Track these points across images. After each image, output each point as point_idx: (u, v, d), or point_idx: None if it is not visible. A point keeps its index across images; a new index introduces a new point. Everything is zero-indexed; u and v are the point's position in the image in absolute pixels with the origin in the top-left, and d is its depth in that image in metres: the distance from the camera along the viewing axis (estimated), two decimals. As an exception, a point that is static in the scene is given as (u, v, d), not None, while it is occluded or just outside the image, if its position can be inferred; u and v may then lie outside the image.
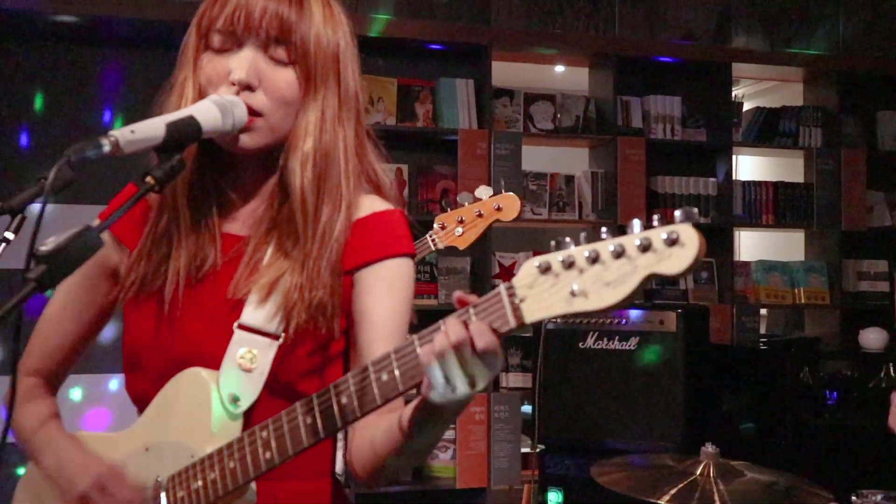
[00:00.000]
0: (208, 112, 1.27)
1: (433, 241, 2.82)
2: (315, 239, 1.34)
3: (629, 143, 4.92)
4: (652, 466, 2.53)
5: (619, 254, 0.97)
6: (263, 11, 1.32)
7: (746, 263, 5.28)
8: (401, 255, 1.41)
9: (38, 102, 4.36)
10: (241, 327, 1.34)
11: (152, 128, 1.20)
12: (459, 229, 2.81)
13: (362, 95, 1.46)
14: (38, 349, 1.50)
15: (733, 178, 5.21)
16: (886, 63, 5.41)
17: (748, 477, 2.38)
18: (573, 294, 0.99)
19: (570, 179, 5.00)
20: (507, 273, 4.69)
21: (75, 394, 4.19)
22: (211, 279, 1.38)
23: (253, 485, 1.29)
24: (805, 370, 4.11)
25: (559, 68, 5.80)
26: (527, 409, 4.56)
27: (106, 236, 1.43)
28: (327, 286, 1.34)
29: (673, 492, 2.28)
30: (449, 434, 4.46)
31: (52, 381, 1.53)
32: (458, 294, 1.10)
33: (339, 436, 1.54)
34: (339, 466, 1.50)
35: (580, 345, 3.49)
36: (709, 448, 2.41)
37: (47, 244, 1.05)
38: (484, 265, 4.66)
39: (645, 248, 0.95)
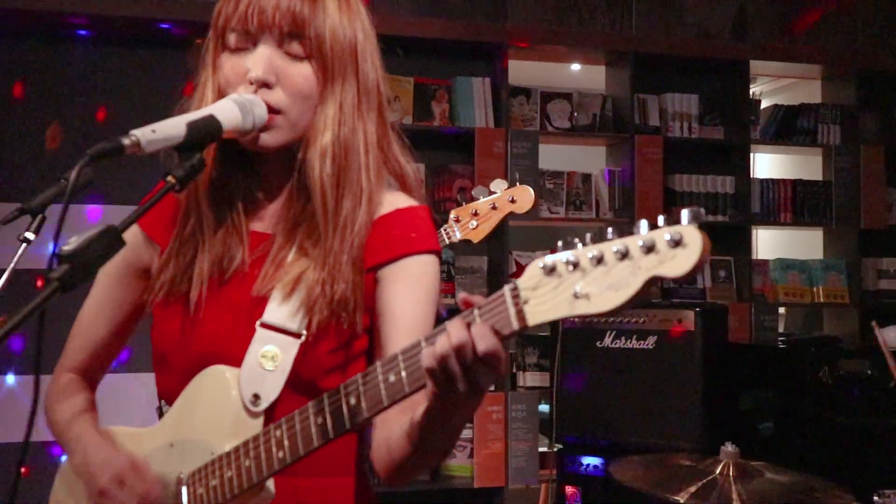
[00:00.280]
0: (228, 111, 1.27)
1: (447, 234, 2.83)
2: (336, 233, 1.34)
3: (646, 142, 4.90)
4: (671, 465, 2.52)
5: (623, 255, 0.95)
6: (276, 7, 1.32)
7: (764, 262, 5.25)
8: (423, 252, 1.40)
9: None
10: (264, 325, 1.34)
11: (173, 127, 1.21)
12: (474, 222, 2.82)
13: (384, 87, 1.45)
14: (75, 347, 1.53)
15: (751, 175, 5.19)
16: (906, 59, 5.38)
17: (767, 477, 2.37)
18: (576, 296, 0.98)
19: (587, 178, 4.99)
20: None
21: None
22: (238, 278, 1.39)
23: (270, 484, 1.29)
24: (824, 369, 4.08)
25: (576, 66, 5.79)
26: (544, 407, 4.56)
27: (138, 235, 1.46)
28: (349, 281, 1.33)
29: (691, 490, 2.27)
30: (466, 433, 4.46)
31: (90, 378, 1.56)
32: (462, 296, 1.09)
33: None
34: None
35: (598, 343, 3.48)
36: (728, 447, 2.39)
37: (70, 244, 1.06)
38: (501, 264, 4.65)
39: (648, 249, 0.93)
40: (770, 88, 6.20)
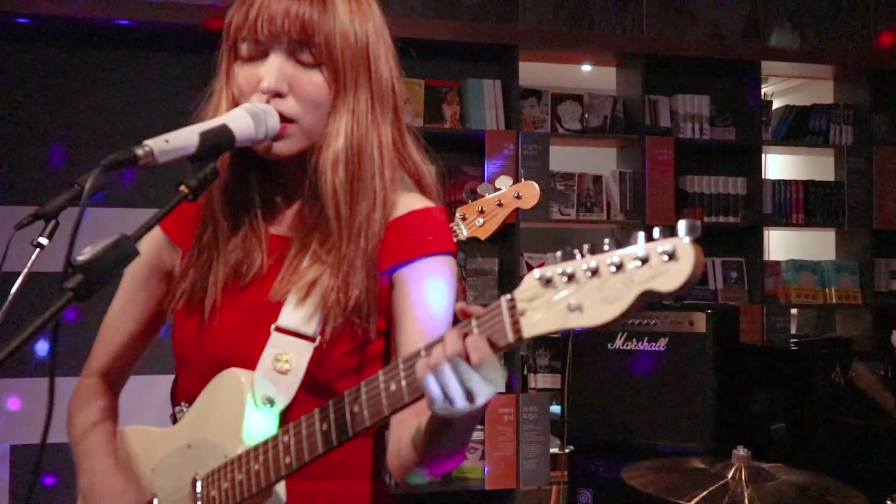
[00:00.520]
0: (241, 121, 1.28)
1: (454, 232, 2.82)
2: (350, 239, 1.34)
3: (657, 143, 4.89)
4: (683, 469, 2.51)
5: (617, 267, 0.93)
6: (285, 14, 1.31)
7: (776, 263, 5.24)
8: (440, 254, 1.38)
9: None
10: (279, 329, 1.34)
11: (186, 137, 1.21)
12: (480, 220, 2.82)
13: (399, 87, 1.44)
14: (98, 351, 1.54)
15: (763, 176, 5.18)
16: (919, 59, 5.36)
17: (780, 479, 2.36)
18: (570, 308, 0.96)
19: (597, 179, 4.98)
20: (536, 274, 4.67)
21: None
22: (257, 282, 1.39)
23: (279, 489, 1.29)
24: (837, 371, 4.07)
25: (586, 68, 5.78)
26: (556, 409, 4.55)
27: (162, 238, 1.48)
28: (363, 288, 1.33)
29: (704, 494, 2.27)
30: (478, 435, 4.47)
31: (114, 383, 1.57)
32: (460, 305, 1.08)
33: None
34: None
35: (609, 345, 3.47)
36: (740, 451, 2.39)
37: (84, 253, 1.07)
38: (512, 266, 4.65)
39: (642, 262, 0.91)
40: (782, 89, 6.18)
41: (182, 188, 1.20)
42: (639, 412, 3.40)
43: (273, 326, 1.34)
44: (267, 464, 1.26)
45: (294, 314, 1.34)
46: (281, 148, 1.35)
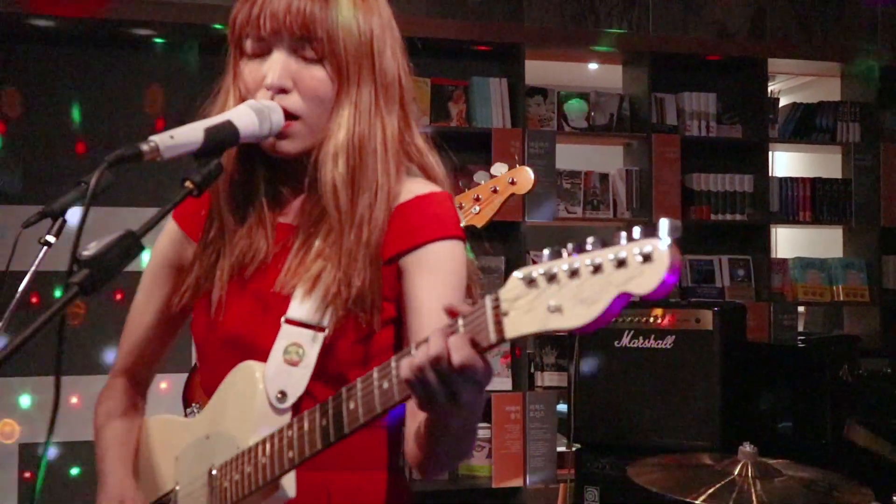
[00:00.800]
0: (245, 117, 1.28)
1: None
2: (352, 231, 1.33)
3: (664, 141, 4.89)
4: (690, 466, 2.51)
5: (596, 268, 0.91)
6: (287, 10, 1.31)
7: (783, 261, 5.23)
8: (446, 238, 1.37)
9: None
10: (288, 321, 1.34)
11: (191, 133, 1.22)
12: (476, 207, 2.82)
13: (406, 79, 1.43)
14: (123, 349, 1.55)
15: (770, 174, 5.17)
16: (926, 56, 5.34)
17: (787, 476, 2.36)
18: (550, 310, 0.94)
19: (604, 178, 4.98)
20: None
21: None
22: (261, 272, 1.40)
23: (286, 482, 1.29)
24: (844, 368, 4.06)
25: (593, 66, 5.77)
26: (562, 407, 4.55)
27: (178, 232, 1.49)
28: (365, 279, 1.33)
29: (710, 491, 2.26)
30: (484, 433, 4.47)
31: (139, 380, 1.58)
32: (445, 304, 1.07)
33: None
34: None
35: (615, 343, 3.47)
36: (747, 448, 2.39)
37: (89, 249, 1.07)
38: (518, 264, 4.62)
39: (620, 263, 0.89)
40: (788, 86, 6.16)
41: (187, 184, 1.20)
42: (645, 410, 3.39)
43: (283, 319, 1.34)
44: (273, 457, 1.27)
45: (302, 306, 1.34)
46: (286, 147, 1.35)
